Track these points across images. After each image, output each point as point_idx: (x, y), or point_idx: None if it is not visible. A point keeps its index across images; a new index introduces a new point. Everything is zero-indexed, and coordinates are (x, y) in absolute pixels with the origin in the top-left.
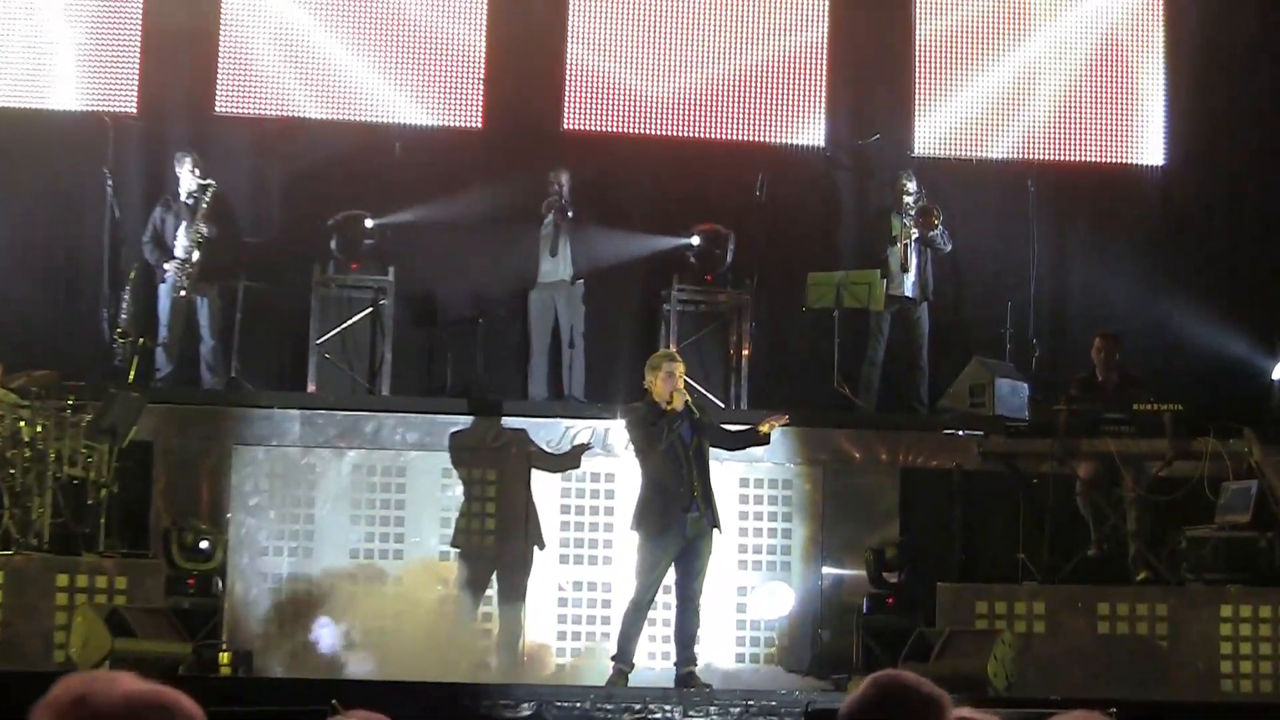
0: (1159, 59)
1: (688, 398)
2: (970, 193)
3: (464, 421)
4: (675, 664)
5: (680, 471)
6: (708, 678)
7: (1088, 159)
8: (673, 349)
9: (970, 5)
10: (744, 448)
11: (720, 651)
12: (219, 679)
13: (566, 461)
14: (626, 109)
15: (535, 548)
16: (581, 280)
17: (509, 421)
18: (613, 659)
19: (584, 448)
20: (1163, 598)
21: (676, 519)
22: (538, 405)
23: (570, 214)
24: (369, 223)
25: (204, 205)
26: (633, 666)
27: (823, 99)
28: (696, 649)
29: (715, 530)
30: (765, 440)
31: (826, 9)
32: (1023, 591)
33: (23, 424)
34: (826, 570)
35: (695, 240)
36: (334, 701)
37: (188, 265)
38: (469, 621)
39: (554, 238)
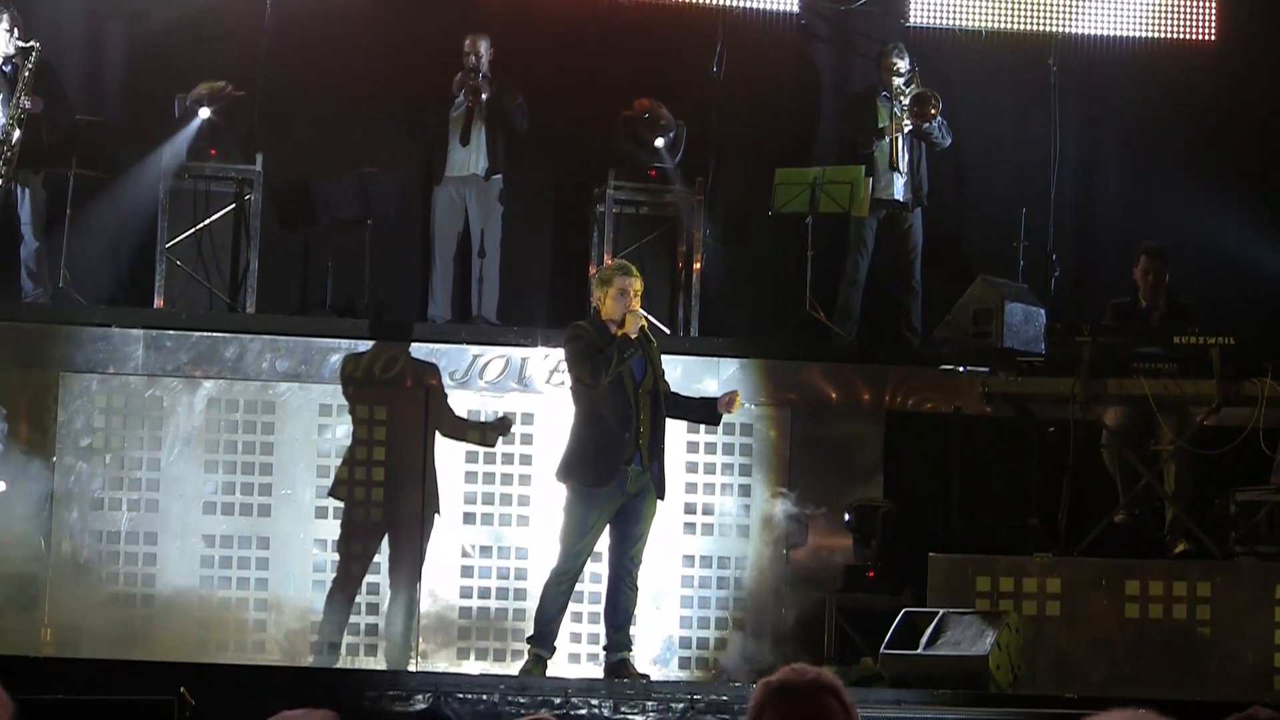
0: None
1: (644, 322)
2: (977, 73)
3: (347, 347)
4: (605, 649)
5: (626, 413)
6: (645, 667)
7: (1123, 33)
8: (624, 262)
9: None
10: (687, 419)
11: (661, 637)
12: (38, 660)
13: (474, 432)
14: None
15: (433, 506)
16: (499, 175)
17: (405, 348)
18: (529, 642)
19: (505, 425)
20: (1205, 575)
21: (616, 471)
22: (439, 328)
23: (487, 94)
24: (203, 113)
25: (26, 74)
26: (553, 651)
27: None
28: (632, 632)
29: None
30: (718, 419)
31: None
32: (1034, 565)
33: None
34: (793, 536)
35: (637, 127)
36: (182, 689)
37: (5, 148)
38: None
39: (467, 122)
